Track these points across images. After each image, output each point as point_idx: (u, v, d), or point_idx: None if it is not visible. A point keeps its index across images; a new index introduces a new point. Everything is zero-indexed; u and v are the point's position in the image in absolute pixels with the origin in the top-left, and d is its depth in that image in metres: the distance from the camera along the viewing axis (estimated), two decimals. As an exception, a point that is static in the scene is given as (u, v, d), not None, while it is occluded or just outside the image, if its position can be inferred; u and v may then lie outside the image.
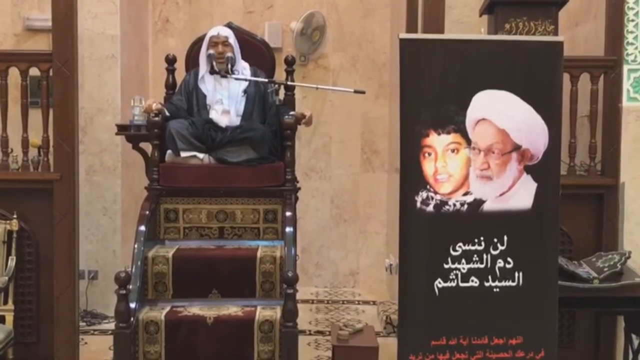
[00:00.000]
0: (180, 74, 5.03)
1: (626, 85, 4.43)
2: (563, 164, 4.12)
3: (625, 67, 4.43)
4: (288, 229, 4.23)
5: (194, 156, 4.54)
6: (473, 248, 3.54)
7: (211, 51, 4.73)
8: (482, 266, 3.55)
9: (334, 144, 6.89)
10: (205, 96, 4.75)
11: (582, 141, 4.57)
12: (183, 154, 4.52)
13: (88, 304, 5.71)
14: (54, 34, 4.44)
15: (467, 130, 3.51)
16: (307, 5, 6.68)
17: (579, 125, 4.57)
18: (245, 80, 4.73)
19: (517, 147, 3.54)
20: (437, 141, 3.51)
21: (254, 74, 4.79)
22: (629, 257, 4.13)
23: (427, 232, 3.53)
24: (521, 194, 3.55)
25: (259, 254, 4.25)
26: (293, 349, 3.80)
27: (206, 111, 4.72)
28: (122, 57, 5.84)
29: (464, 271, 3.54)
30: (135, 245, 4.13)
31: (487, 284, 3.55)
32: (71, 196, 4.44)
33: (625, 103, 4.43)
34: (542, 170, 3.55)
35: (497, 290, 3.55)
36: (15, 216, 4.41)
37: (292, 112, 4.68)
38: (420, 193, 3.51)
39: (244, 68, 4.81)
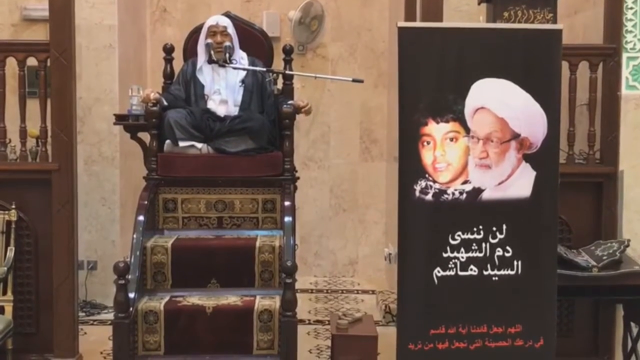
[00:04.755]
0: (178, 64, 5.01)
1: (625, 73, 4.42)
2: (562, 153, 4.12)
3: (624, 55, 4.42)
4: (287, 219, 4.22)
5: (193, 146, 4.53)
6: (472, 237, 3.55)
7: (209, 40, 4.71)
8: (481, 255, 3.55)
9: (332, 133, 6.88)
10: (203, 86, 4.74)
11: (581, 129, 4.56)
12: (181, 144, 4.51)
13: (87, 294, 5.70)
14: (51, 23, 4.43)
15: (465, 119, 3.51)
16: (305, -6, 6.66)
17: (578, 113, 4.56)
18: (243, 69, 4.72)
19: (516, 136, 3.54)
20: (436, 130, 3.50)
21: (252, 64, 4.77)
22: (627, 246, 4.14)
23: (426, 221, 3.53)
24: (520, 183, 3.55)
25: (257, 244, 4.25)
26: (292, 338, 3.80)
27: (204, 101, 4.71)
28: (120, 47, 5.82)
29: (463, 260, 3.54)
30: (134, 235, 4.13)
31: (486, 273, 3.55)
32: (70, 186, 4.44)
33: (624, 91, 4.43)
34: (541, 158, 3.55)
35: (496, 279, 3.56)
36: (13, 207, 4.41)
37: (290, 102, 4.67)
38: (419, 182, 3.51)
39: (242, 57, 4.79)
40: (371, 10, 6.81)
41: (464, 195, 3.54)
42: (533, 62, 3.54)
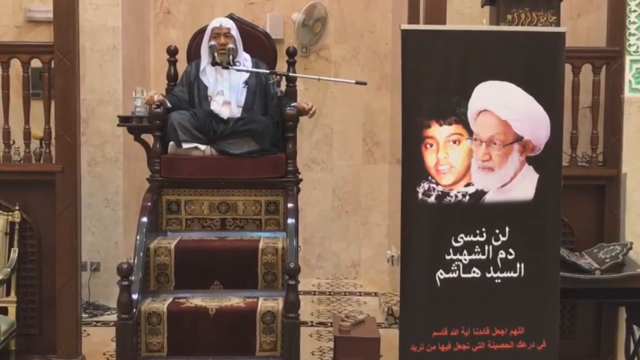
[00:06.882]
0: (181, 66, 5.02)
1: (628, 76, 4.43)
2: (565, 155, 4.11)
3: (627, 58, 4.42)
4: (290, 221, 4.23)
5: (196, 148, 4.53)
6: (475, 239, 3.55)
7: (213, 42, 4.71)
8: (483, 257, 3.55)
9: (335, 135, 6.88)
10: (206, 87, 4.74)
11: (583, 132, 4.57)
12: (185, 146, 4.51)
13: (90, 295, 5.71)
14: (55, 25, 4.44)
15: (468, 121, 3.51)
16: (308, -3, 6.67)
17: (581, 116, 4.56)
18: (247, 71, 4.72)
19: (518, 138, 3.54)
20: (439, 132, 3.51)
21: (255, 65, 4.78)
22: (630, 248, 4.14)
23: (429, 224, 3.53)
24: (523, 185, 3.56)
25: (260, 246, 4.25)
26: (295, 340, 3.81)
27: (207, 102, 4.71)
28: (124, 49, 5.83)
29: (465, 262, 3.54)
30: (137, 237, 4.13)
31: (488, 275, 3.56)
32: (73, 188, 4.45)
33: (627, 94, 4.43)
34: (544, 161, 3.55)
35: (499, 281, 3.56)
36: (17, 208, 4.42)
37: (293, 104, 4.68)
38: (422, 184, 3.51)
39: (245, 59, 4.79)
40: (374, 13, 6.81)
41: (467, 197, 3.54)
42: (536, 65, 3.54)
